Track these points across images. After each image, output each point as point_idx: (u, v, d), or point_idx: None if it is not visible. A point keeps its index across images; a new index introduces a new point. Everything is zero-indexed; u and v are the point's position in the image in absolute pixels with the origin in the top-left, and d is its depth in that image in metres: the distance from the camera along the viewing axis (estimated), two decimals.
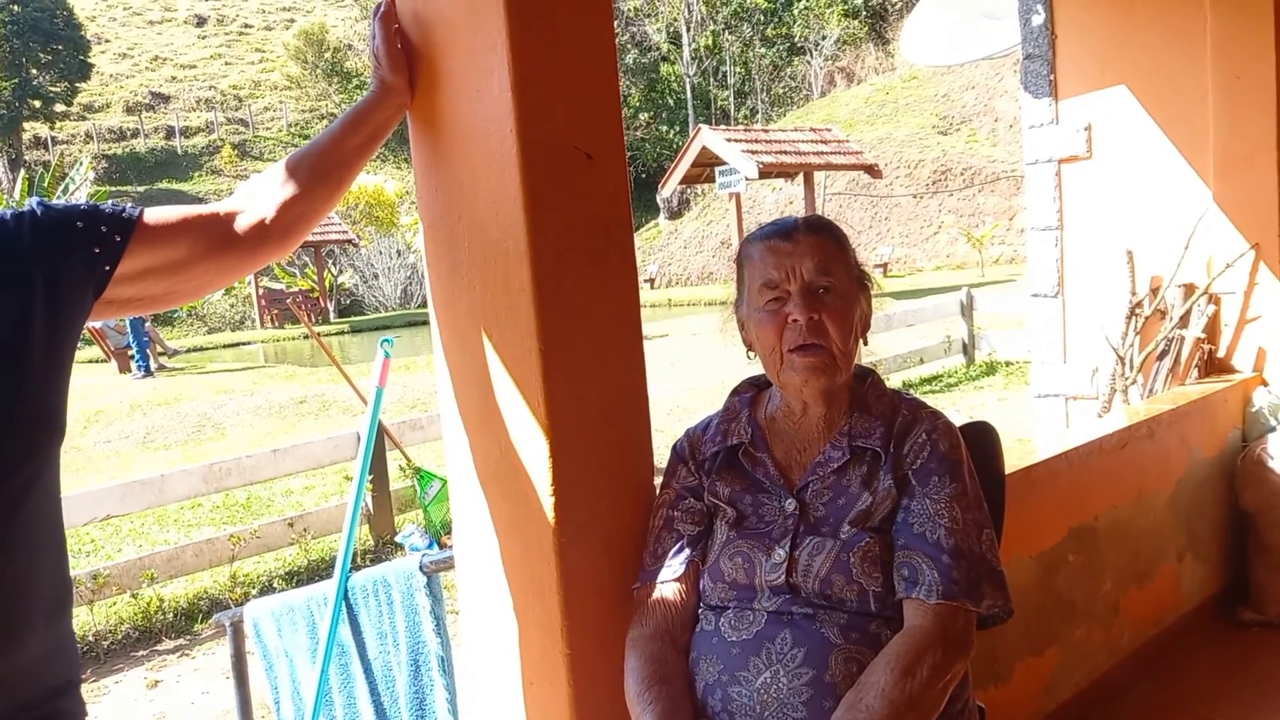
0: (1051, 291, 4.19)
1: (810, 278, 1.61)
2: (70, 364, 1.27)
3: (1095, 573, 2.93)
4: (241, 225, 1.48)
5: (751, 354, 1.73)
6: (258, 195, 1.52)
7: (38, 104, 47.21)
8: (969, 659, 1.52)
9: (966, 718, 1.62)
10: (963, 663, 1.49)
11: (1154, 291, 3.87)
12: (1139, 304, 3.88)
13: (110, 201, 1.38)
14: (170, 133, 49.45)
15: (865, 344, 1.69)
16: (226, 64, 60.19)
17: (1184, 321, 3.75)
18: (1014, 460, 2.64)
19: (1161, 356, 3.80)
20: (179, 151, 48.03)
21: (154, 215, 1.38)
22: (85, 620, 5.27)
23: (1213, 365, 3.75)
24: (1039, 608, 2.70)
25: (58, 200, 1.34)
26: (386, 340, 2.49)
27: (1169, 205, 3.81)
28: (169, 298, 1.46)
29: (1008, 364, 11.32)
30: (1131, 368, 3.87)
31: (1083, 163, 4.04)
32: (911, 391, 9.91)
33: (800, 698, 1.46)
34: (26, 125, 47.15)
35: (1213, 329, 3.74)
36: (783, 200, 28.98)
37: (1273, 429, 3.50)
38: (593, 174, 1.66)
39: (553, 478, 1.61)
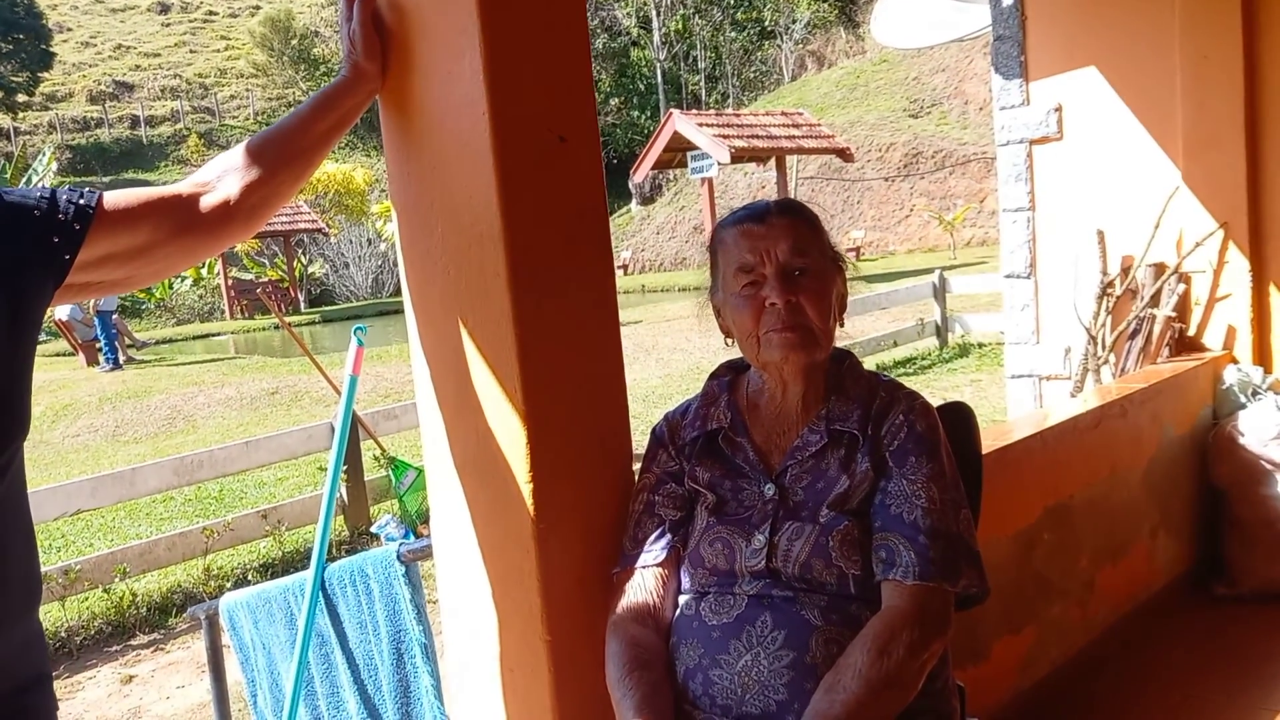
0: (1024, 273, 4.21)
1: (785, 260, 1.60)
2: (33, 354, 1.25)
3: (1071, 550, 2.95)
4: (205, 206, 1.45)
5: (729, 340, 1.72)
6: (222, 176, 1.48)
7: None
8: (947, 639, 1.52)
9: (946, 697, 1.62)
10: (940, 642, 1.50)
11: (1125, 271, 3.89)
12: (1110, 284, 3.91)
13: (69, 187, 1.35)
14: (135, 122, 48.79)
15: (842, 325, 1.69)
16: (191, 52, 59.45)
17: (1155, 300, 3.78)
18: (990, 440, 2.65)
19: (1133, 336, 3.83)
20: (144, 141, 47.43)
21: (114, 200, 1.35)
22: (57, 616, 5.21)
23: (1183, 344, 3.78)
24: (1016, 586, 2.72)
25: (16, 188, 1.29)
26: (359, 328, 2.46)
27: (1139, 185, 3.83)
28: (131, 281, 1.43)
29: (980, 345, 11.41)
30: (1104, 347, 3.90)
31: (1054, 144, 4.06)
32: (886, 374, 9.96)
33: (781, 679, 1.46)
34: None
35: (1183, 308, 3.78)
36: (755, 185, 29.00)
37: (1243, 406, 3.53)
38: (566, 158, 1.64)
39: (531, 464, 1.60)
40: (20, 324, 1.21)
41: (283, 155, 1.54)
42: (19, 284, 1.21)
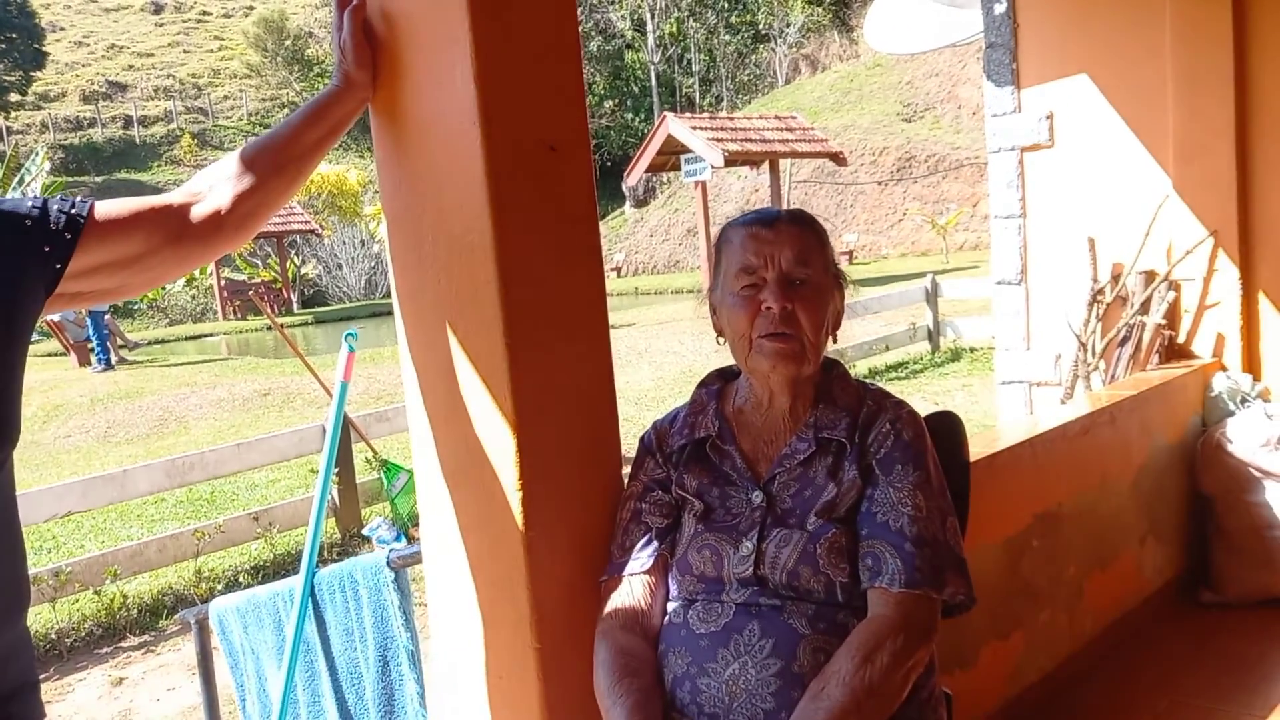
0: (1015, 279, 4.22)
1: (787, 268, 1.61)
2: (24, 363, 1.25)
3: (1059, 558, 2.96)
4: (196, 216, 1.46)
5: (721, 340, 1.73)
6: (213, 185, 1.49)
7: None
8: (932, 646, 1.53)
9: (933, 705, 1.63)
10: (925, 650, 1.50)
11: (1115, 278, 3.91)
12: (1101, 291, 3.92)
13: (60, 196, 1.35)
14: (128, 122, 48.65)
15: (835, 341, 1.70)
16: (185, 52, 59.32)
17: (1145, 308, 3.80)
18: (979, 448, 2.66)
19: (1123, 343, 3.84)
20: (137, 141, 47.30)
21: (105, 209, 1.35)
22: (48, 618, 5.20)
23: (1173, 351, 3.79)
24: (1004, 593, 2.73)
25: (10, 194, 1.30)
26: (350, 334, 2.46)
27: (1130, 193, 3.85)
28: (123, 289, 1.43)
29: (972, 350, 11.43)
30: (1094, 354, 3.91)
31: (1045, 151, 4.07)
32: (877, 379, 10.00)
33: (769, 688, 1.47)
34: None
35: (1173, 315, 3.79)
36: (748, 188, 29.03)
37: (1231, 414, 3.55)
38: (557, 166, 1.65)
39: (520, 471, 1.60)
40: (13, 332, 1.21)
41: (274, 164, 1.54)
42: (10, 292, 1.21)
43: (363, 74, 1.66)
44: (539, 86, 1.62)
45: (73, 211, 1.31)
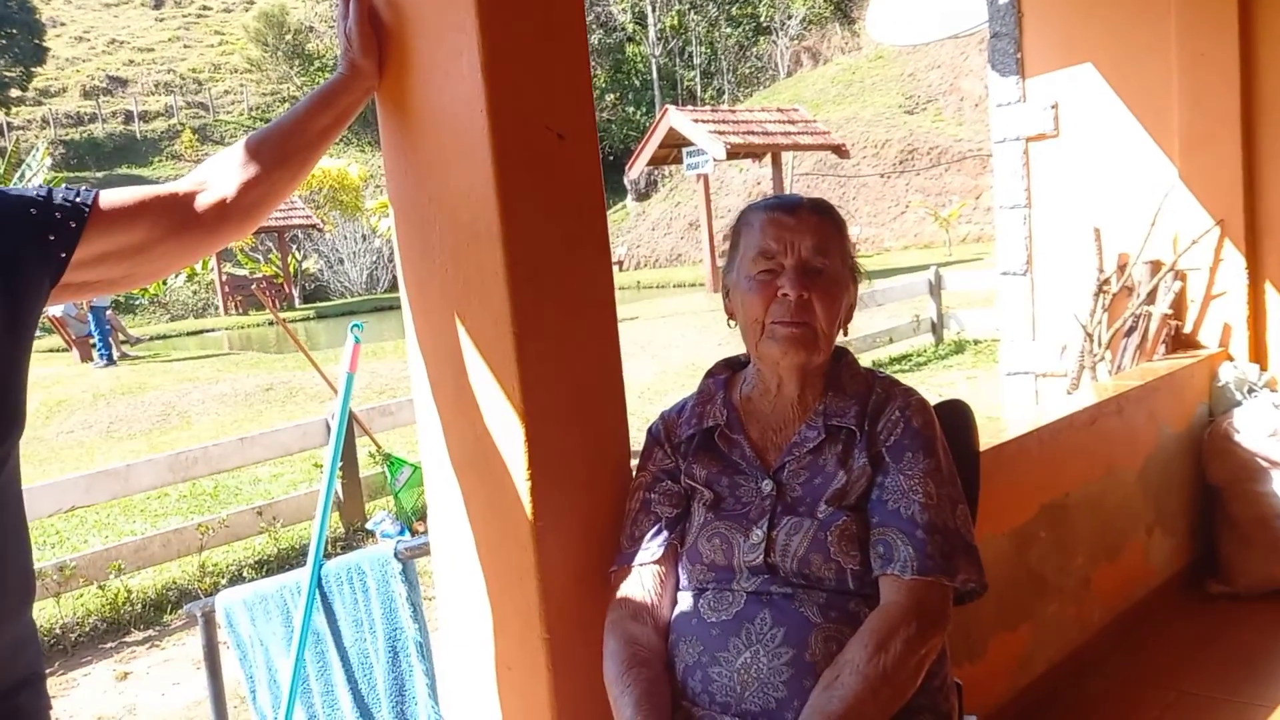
0: (1020, 270, 4.21)
1: (807, 255, 1.60)
2: (29, 353, 1.24)
3: (1067, 548, 2.95)
4: (201, 205, 1.45)
5: (732, 322, 1.72)
6: (218, 174, 1.48)
7: None
8: (946, 633, 1.52)
9: (945, 694, 1.62)
10: (939, 637, 1.50)
11: (1121, 269, 3.90)
12: (1106, 281, 3.91)
13: (64, 186, 1.34)
14: (129, 117, 48.53)
15: (846, 334, 1.69)
16: (185, 47, 59.23)
17: (1151, 298, 3.79)
18: (986, 438, 2.63)
19: (1129, 333, 3.83)
20: (138, 136, 47.19)
21: (110, 199, 1.35)
22: (52, 613, 5.20)
23: (1179, 341, 3.78)
24: (1012, 584, 2.72)
25: (12, 187, 1.30)
26: (356, 325, 2.45)
27: (1136, 182, 3.84)
28: (128, 280, 1.42)
29: (976, 342, 11.41)
30: (1100, 344, 3.90)
31: (1050, 141, 4.06)
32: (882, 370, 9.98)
33: (780, 677, 1.46)
34: None
35: (1179, 305, 3.78)
36: (750, 181, 28.98)
37: (1238, 403, 3.54)
38: (564, 155, 1.64)
39: (529, 462, 1.59)
40: (18, 322, 1.21)
41: (279, 153, 1.53)
42: (16, 282, 1.21)
43: (369, 62, 1.65)
44: (546, 74, 1.61)
45: (77, 200, 1.30)
